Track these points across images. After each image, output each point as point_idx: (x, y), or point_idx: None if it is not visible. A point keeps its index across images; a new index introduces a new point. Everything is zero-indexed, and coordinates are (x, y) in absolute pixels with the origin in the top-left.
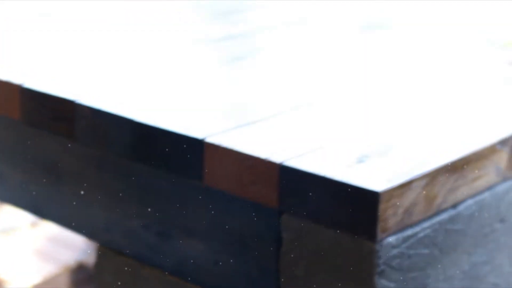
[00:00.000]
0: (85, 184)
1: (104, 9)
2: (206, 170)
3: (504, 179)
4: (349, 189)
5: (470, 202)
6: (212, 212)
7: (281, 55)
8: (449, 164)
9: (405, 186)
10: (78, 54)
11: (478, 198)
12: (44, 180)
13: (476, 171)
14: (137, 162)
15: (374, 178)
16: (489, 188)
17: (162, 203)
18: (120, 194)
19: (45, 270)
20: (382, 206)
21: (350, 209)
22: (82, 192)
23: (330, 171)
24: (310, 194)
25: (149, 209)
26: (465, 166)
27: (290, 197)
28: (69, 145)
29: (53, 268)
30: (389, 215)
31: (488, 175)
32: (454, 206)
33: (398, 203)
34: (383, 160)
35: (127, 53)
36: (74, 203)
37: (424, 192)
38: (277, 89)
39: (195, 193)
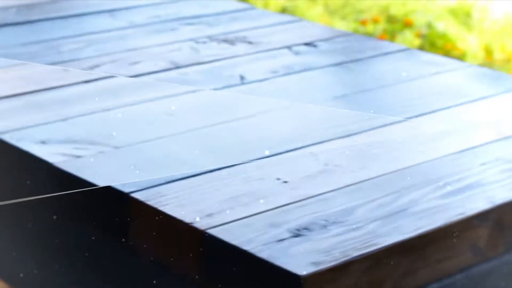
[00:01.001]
0: (19, 237)
1: None
2: (131, 229)
3: (485, 260)
4: (271, 270)
5: (434, 286)
6: (138, 276)
7: None
8: (402, 243)
9: (339, 270)
10: None
11: (446, 281)
12: None
13: (443, 251)
14: (64, 214)
15: (302, 259)
16: (463, 270)
17: (93, 262)
18: (53, 249)
19: None
20: None
21: None
22: (14, 244)
23: (257, 245)
24: (234, 269)
25: (81, 268)
26: (426, 245)
27: (213, 270)
28: None
29: None
30: None
31: (461, 255)
32: None
33: None
34: (323, 236)
35: None
36: (5, 254)
37: (366, 276)
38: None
39: (123, 253)
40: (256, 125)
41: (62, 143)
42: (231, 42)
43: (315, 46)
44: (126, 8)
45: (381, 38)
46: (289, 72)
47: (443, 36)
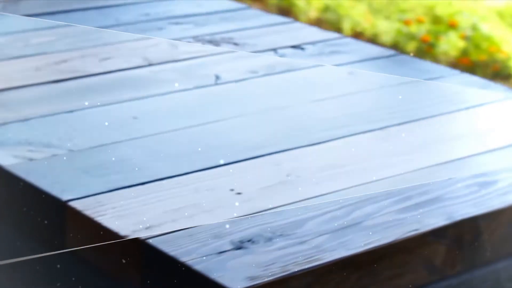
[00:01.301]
0: None
1: None
2: (69, 236)
3: (441, 278)
4: (206, 283)
5: None
6: (78, 284)
7: None
8: (348, 259)
9: (277, 285)
10: None
11: None
12: None
13: (395, 268)
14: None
15: (239, 273)
16: None
17: (32, 271)
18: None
19: None
20: None
21: None
22: None
23: (196, 257)
24: (172, 281)
25: (19, 277)
26: (375, 262)
27: (153, 281)
28: None
29: None
30: None
31: (415, 272)
32: None
33: None
34: (266, 249)
35: None
36: None
37: None
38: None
39: (63, 261)
40: (223, 131)
41: (17, 145)
42: (216, 43)
43: (302, 49)
44: (116, 6)
45: (424, 39)
46: (269, 73)
47: (488, 38)
